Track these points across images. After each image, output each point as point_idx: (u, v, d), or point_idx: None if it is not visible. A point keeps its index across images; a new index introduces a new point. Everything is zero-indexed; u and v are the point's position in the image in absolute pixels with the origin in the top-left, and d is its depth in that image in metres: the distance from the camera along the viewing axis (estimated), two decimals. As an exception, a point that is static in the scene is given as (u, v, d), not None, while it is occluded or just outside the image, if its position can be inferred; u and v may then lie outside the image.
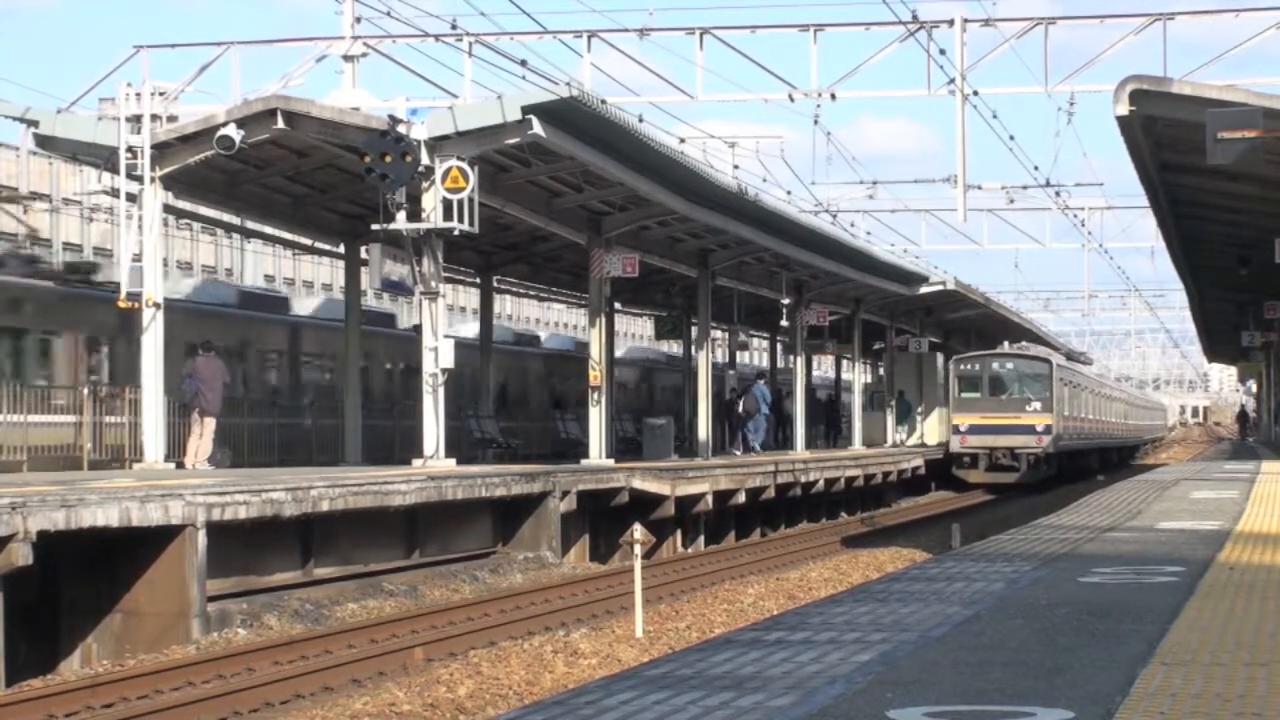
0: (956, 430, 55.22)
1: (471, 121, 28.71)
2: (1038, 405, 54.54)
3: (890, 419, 65.08)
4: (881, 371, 73.06)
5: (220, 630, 19.56)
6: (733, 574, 28.72)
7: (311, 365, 40.60)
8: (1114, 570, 12.78)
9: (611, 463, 35.21)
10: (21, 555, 16.53)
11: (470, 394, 43.39)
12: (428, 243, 29.45)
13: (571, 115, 28.98)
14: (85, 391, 30.74)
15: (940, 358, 72.79)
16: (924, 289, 58.87)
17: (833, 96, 35.42)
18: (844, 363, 73.91)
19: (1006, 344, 63.23)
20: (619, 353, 56.88)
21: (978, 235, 62.89)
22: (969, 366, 56.58)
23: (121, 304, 29.37)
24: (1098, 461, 68.59)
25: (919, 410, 69.79)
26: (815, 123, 40.24)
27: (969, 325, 76.00)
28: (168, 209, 31.61)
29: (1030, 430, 54.19)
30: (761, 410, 48.87)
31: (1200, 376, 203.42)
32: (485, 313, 44.85)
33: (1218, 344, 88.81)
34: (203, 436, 30.31)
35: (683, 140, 39.05)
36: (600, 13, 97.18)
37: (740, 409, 49.95)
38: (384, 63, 41.80)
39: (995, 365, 56.34)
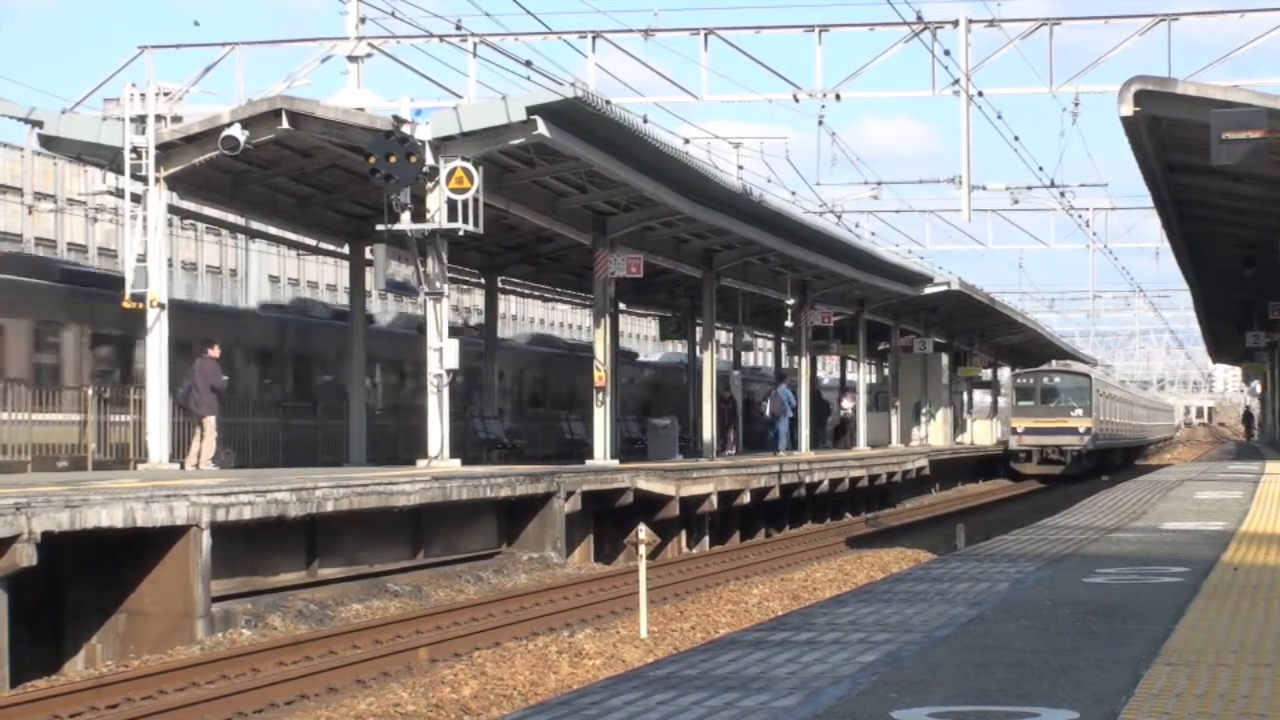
0: (1014, 431, 67.57)
1: (476, 122, 28.71)
2: (1080, 411, 66.44)
3: (895, 420, 65.16)
4: (886, 372, 73.10)
5: (225, 631, 19.57)
6: (737, 574, 28.71)
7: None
8: (1118, 571, 12.78)
9: (616, 463, 35.22)
10: (26, 556, 16.53)
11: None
12: (432, 243, 29.46)
13: (576, 116, 28.97)
14: (89, 392, 30.80)
15: (945, 358, 72.86)
16: (928, 289, 58.89)
17: (837, 97, 35.41)
18: (847, 363, 73.92)
19: (1054, 361, 77.37)
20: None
21: (982, 236, 62.96)
22: (1025, 381, 69.85)
23: (126, 304, 29.40)
24: (1121, 457, 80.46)
25: (924, 411, 69.79)
26: (820, 123, 40.22)
27: (975, 328, 76.08)
28: (172, 209, 31.64)
29: (1074, 432, 66.19)
30: (786, 413, 49.44)
31: (1205, 377, 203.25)
32: (490, 314, 44.86)
33: (1222, 344, 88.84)
34: (203, 438, 30.29)
35: (687, 141, 39.05)
36: (605, 13, 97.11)
37: (767, 411, 50.92)
38: (389, 63, 41.93)
39: (1046, 379, 69.21)
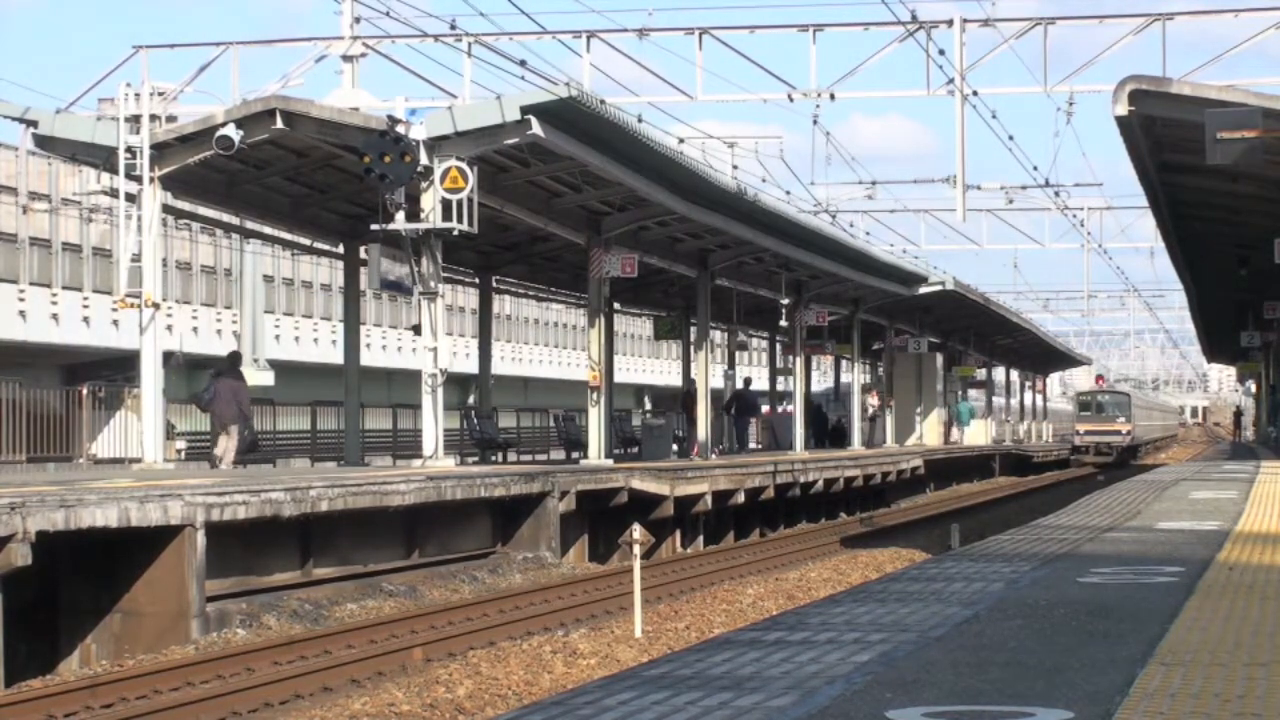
0: (1078, 433, 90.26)
1: (470, 121, 28.70)
2: (1123, 419, 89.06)
3: (890, 420, 65.19)
4: (881, 372, 73.12)
5: (219, 630, 19.55)
6: (732, 574, 28.70)
7: None
8: (1113, 570, 12.78)
9: (610, 463, 35.20)
10: (20, 555, 16.51)
11: None
12: (426, 243, 29.44)
13: (570, 115, 28.97)
14: (84, 392, 30.85)
15: (940, 358, 72.83)
16: (923, 289, 58.91)
17: (832, 96, 35.43)
18: (842, 363, 73.93)
19: (1103, 383, 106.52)
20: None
21: (977, 235, 63.01)
22: (1086, 398, 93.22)
23: (121, 305, 29.40)
24: (1144, 447, 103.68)
25: (918, 411, 69.77)
26: (814, 123, 40.27)
27: (970, 328, 76.08)
28: (166, 209, 31.61)
29: (1119, 433, 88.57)
30: (747, 414, 50.13)
31: (1199, 377, 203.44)
32: (484, 313, 44.83)
33: (1217, 344, 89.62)
34: (230, 439, 31.05)
35: (682, 140, 39.05)
36: (599, 13, 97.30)
37: (732, 412, 51.34)
38: (383, 63, 41.84)
39: (1099, 397, 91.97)
